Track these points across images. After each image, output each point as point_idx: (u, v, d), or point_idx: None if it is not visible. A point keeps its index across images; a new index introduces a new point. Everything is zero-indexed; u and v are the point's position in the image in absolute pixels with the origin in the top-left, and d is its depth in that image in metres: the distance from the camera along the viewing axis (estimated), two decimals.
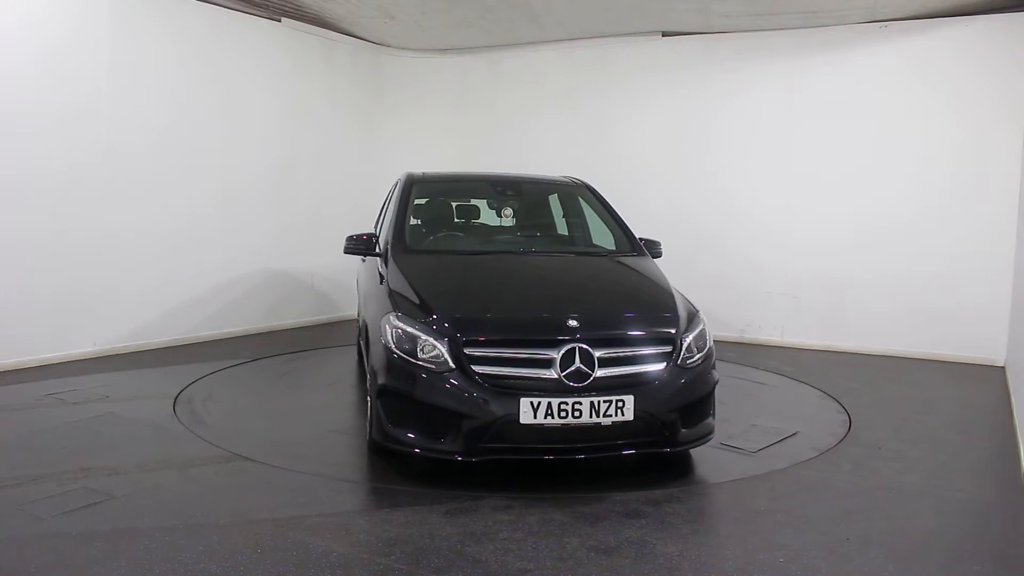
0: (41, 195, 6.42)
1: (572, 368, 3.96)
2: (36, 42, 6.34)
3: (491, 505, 3.83)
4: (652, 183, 8.92)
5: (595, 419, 3.92)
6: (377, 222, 6.65)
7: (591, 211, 5.83)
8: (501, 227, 6.08)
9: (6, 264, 6.25)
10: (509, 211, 6.13)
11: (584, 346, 4.00)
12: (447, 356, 3.99)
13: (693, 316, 4.51)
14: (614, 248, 5.48)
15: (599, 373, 3.99)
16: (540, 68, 9.51)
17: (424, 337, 4.06)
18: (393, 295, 4.49)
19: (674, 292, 4.73)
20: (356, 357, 7.13)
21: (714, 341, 4.56)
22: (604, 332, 4.17)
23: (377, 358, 4.24)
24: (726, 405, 5.83)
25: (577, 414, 3.90)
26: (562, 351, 3.97)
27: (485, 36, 9.26)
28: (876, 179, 7.95)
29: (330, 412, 5.57)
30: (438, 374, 3.98)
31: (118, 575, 3.05)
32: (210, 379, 6.32)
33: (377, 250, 5.22)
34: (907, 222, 7.83)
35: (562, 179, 6.16)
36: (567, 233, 5.91)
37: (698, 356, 4.32)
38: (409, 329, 4.13)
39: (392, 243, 5.07)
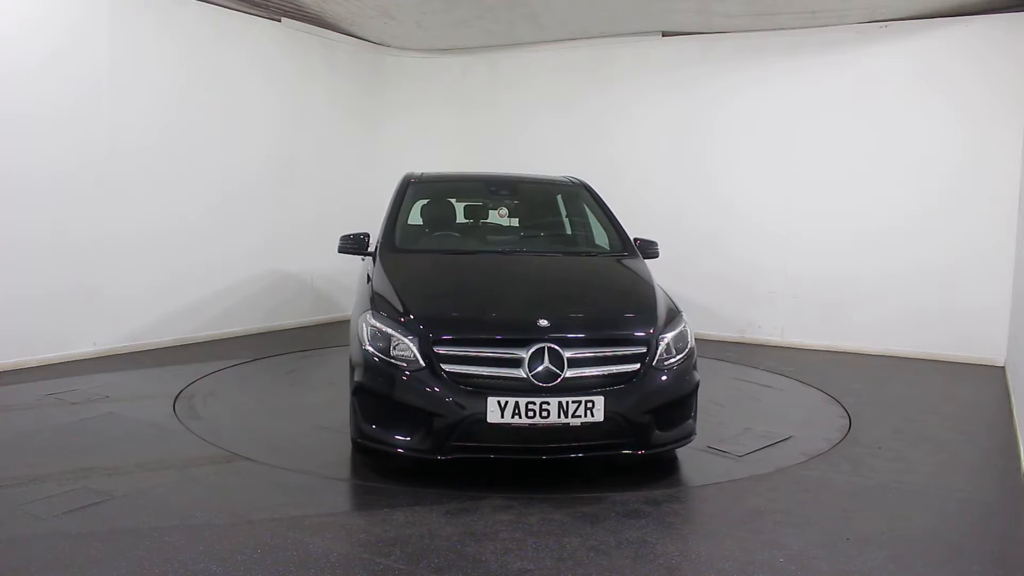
0: (41, 195, 6.42)
1: (540, 368, 3.94)
2: (36, 42, 6.34)
3: (491, 505, 3.84)
4: (652, 183, 8.92)
5: (564, 420, 3.90)
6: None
7: (589, 211, 5.82)
8: (495, 227, 6.08)
9: (6, 264, 6.25)
10: (504, 211, 6.13)
11: (553, 346, 3.98)
12: (417, 354, 4.01)
13: (674, 317, 4.46)
14: (606, 248, 5.47)
15: (568, 373, 3.97)
16: (540, 68, 9.51)
17: (397, 335, 4.09)
18: (374, 293, 4.54)
19: (657, 292, 4.68)
20: None
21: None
22: (575, 333, 4.14)
23: (354, 356, 4.29)
24: (723, 407, 5.85)
25: (545, 414, 3.88)
26: (531, 351, 3.96)
27: (485, 36, 9.26)
28: (876, 179, 7.95)
29: (330, 412, 5.56)
30: (409, 372, 4.00)
31: (118, 575, 3.05)
32: (210, 379, 6.32)
33: (369, 249, 5.26)
34: (907, 222, 7.83)
35: (561, 179, 6.16)
36: (562, 233, 5.89)
37: (677, 357, 4.26)
38: (383, 327, 4.17)
39: (381, 242, 5.14)
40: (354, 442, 4.41)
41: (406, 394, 4.00)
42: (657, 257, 5.44)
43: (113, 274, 6.99)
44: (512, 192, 6.16)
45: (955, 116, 7.63)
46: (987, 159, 7.53)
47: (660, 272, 5.14)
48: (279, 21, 8.50)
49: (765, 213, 8.45)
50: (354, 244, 5.27)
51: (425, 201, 5.89)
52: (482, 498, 3.91)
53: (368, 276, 4.91)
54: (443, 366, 3.97)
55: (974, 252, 7.58)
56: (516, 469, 4.32)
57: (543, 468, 4.37)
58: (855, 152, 8.04)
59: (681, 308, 4.65)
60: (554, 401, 3.88)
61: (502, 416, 3.86)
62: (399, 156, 9.48)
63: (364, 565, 3.18)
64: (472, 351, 4.01)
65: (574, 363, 4.00)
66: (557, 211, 6.02)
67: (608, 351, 4.12)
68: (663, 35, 8.81)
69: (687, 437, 4.38)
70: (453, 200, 6.12)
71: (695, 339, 4.56)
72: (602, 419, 3.94)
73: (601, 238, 5.62)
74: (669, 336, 4.28)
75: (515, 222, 6.12)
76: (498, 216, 6.11)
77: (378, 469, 4.35)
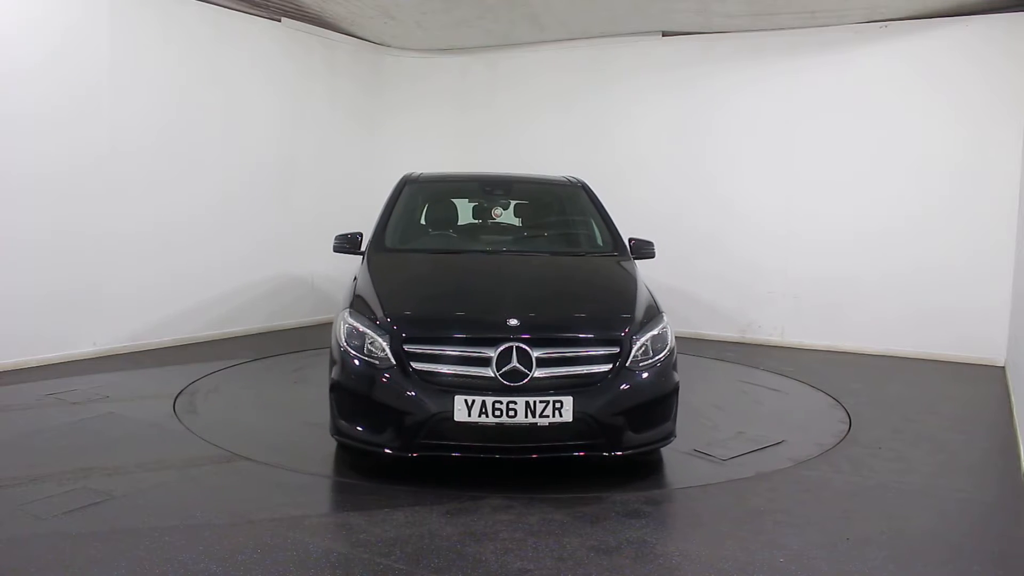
0: (41, 195, 6.42)
1: (508, 367, 3.94)
2: (36, 42, 6.34)
3: (491, 505, 3.84)
4: (652, 183, 8.92)
5: (531, 420, 3.89)
6: None
7: (586, 211, 5.79)
8: (488, 227, 6.07)
9: (6, 264, 6.25)
10: (500, 211, 6.12)
11: (522, 345, 3.97)
12: (389, 353, 4.04)
13: (653, 317, 4.41)
14: (598, 248, 5.44)
15: (537, 373, 3.96)
16: (540, 68, 9.51)
17: (371, 334, 4.14)
18: (355, 292, 4.59)
19: (640, 293, 4.62)
20: None
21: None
22: (545, 332, 4.12)
23: (333, 353, 4.34)
24: (721, 408, 5.84)
25: (512, 414, 3.88)
26: (499, 350, 3.96)
27: (485, 36, 9.26)
28: (876, 179, 7.95)
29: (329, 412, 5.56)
30: (380, 370, 4.04)
31: (118, 575, 3.05)
32: (210, 379, 6.32)
33: (362, 248, 5.28)
34: (907, 222, 7.83)
35: (559, 178, 6.14)
36: (554, 233, 5.85)
37: (654, 359, 4.22)
38: (359, 326, 4.21)
39: (372, 242, 5.19)
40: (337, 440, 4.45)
41: (377, 392, 4.04)
42: (653, 257, 5.42)
43: (113, 274, 6.99)
44: (509, 192, 6.15)
45: (955, 116, 7.63)
46: (987, 159, 7.53)
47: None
48: (279, 21, 8.50)
49: (765, 213, 8.45)
50: (348, 244, 5.31)
51: (421, 201, 5.89)
52: (482, 498, 3.91)
53: (356, 275, 4.95)
54: (413, 364, 4.00)
55: (974, 252, 7.58)
56: (516, 469, 4.32)
57: (543, 468, 4.37)
58: (855, 152, 8.04)
59: (663, 309, 4.58)
60: (521, 401, 3.88)
61: (469, 415, 3.87)
62: (399, 156, 9.49)
63: (364, 565, 3.18)
64: (440, 350, 4.04)
65: (543, 363, 3.98)
66: (553, 211, 6.01)
67: (579, 351, 4.10)
68: (663, 35, 8.81)
69: (665, 439, 4.32)
70: (449, 200, 6.12)
71: (676, 338, 4.48)
72: (571, 420, 3.92)
73: (597, 238, 5.60)
74: (646, 337, 4.24)
75: (509, 222, 6.11)
76: (493, 216, 6.11)
77: (378, 469, 4.35)
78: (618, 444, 4.07)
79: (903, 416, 5.71)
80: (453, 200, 6.14)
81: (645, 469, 4.48)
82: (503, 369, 3.93)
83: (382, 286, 4.53)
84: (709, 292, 8.68)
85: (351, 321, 4.28)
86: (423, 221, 5.81)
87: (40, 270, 6.45)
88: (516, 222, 6.12)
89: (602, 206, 5.73)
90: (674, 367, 4.34)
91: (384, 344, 4.06)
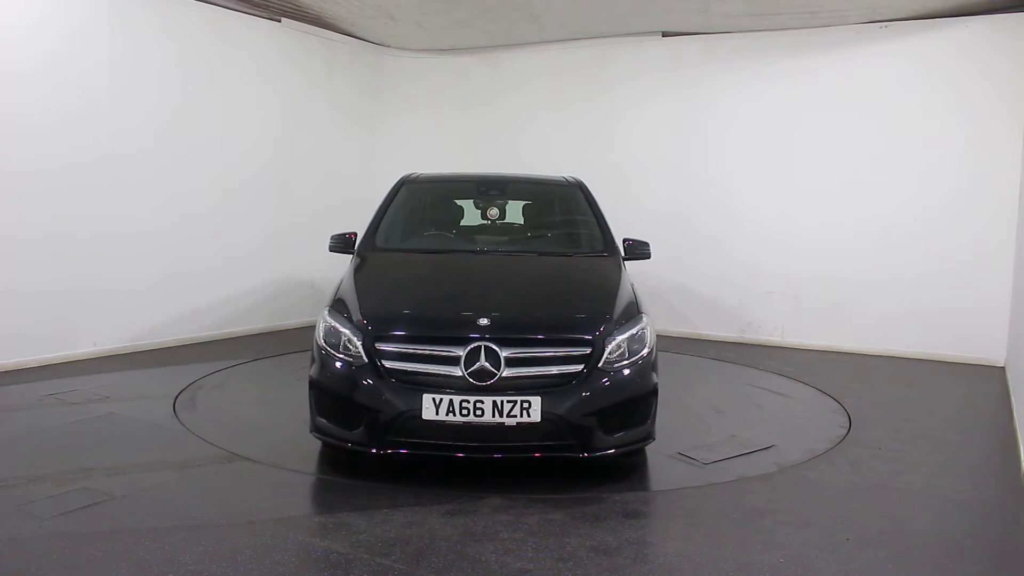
0: (41, 195, 6.42)
1: (476, 366, 3.94)
2: (36, 42, 6.33)
3: (491, 505, 3.84)
4: (652, 183, 8.91)
5: (499, 419, 3.89)
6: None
7: (581, 211, 5.76)
8: (481, 227, 6.06)
9: (7, 263, 6.24)
10: (495, 211, 6.12)
11: (491, 344, 3.97)
12: (362, 351, 4.09)
13: (632, 317, 4.36)
14: (588, 248, 5.40)
15: (505, 373, 3.95)
16: (540, 68, 9.50)
17: (346, 332, 4.19)
18: (338, 291, 4.65)
19: (620, 293, 4.56)
20: None
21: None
22: (516, 332, 4.11)
23: (313, 351, 4.38)
24: (719, 410, 5.84)
25: (479, 413, 3.89)
26: (468, 349, 3.97)
27: (485, 36, 9.26)
28: (876, 179, 7.95)
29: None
30: (353, 368, 4.08)
31: (118, 575, 3.05)
32: (210, 379, 6.32)
33: (355, 248, 5.31)
34: (907, 222, 7.83)
35: (557, 178, 6.11)
36: (546, 233, 5.82)
37: (630, 360, 4.16)
38: (336, 325, 4.27)
39: (363, 241, 5.24)
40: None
41: (350, 390, 4.09)
42: (649, 258, 5.38)
43: (113, 274, 6.98)
44: (505, 192, 6.15)
45: (956, 116, 7.63)
46: (988, 159, 7.53)
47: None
48: (279, 21, 8.50)
49: (765, 213, 8.45)
50: (342, 243, 5.35)
51: (416, 201, 5.89)
52: (482, 498, 3.91)
53: (343, 275, 4.98)
54: (385, 363, 4.04)
55: (974, 252, 7.58)
56: (516, 469, 4.32)
57: (543, 468, 4.37)
58: (855, 152, 8.04)
59: (646, 310, 4.52)
60: (489, 400, 3.88)
61: (437, 413, 3.90)
62: (399, 156, 9.49)
63: (364, 565, 3.18)
64: (411, 348, 4.08)
65: (512, 362, 3.98)
66: (549, 211, 6.00)
67: (549, 351, 4.09)
68: (663, 35, 8.81)
69: (642, 441, 4.27)
70: (444, 200, 6.12)
71: (657, 339, 4.44)
72: (539, 420, 3.91)
73: (589, 238, 5.53)
74: (622, 337, 4.20)
75: (503, 222, 6.10)
76: (488, 216, 6.11)
77: (378, 469, 4.35)
78: (590, 445, 4.04)
79: (903, 416, 5.71)
80: (448, 200, 6.14)
81: (645, 470, 4.48)
82: (471, 368, 3.94)
83: (363, 286, 4.61)
84: (709, 292, 8.67)
85: (329, 320, 4.34)
86: (417, 221, 5.80)
87: (40, 270, 6.45)
88: (511, 222, 6.10)
89: (597, 206, 5.68)
90: (654, 368, 4.29)
91: (358, 343, 4.11)
